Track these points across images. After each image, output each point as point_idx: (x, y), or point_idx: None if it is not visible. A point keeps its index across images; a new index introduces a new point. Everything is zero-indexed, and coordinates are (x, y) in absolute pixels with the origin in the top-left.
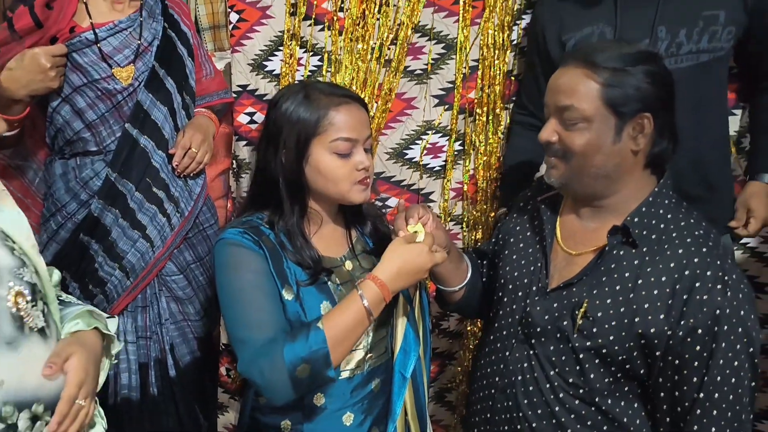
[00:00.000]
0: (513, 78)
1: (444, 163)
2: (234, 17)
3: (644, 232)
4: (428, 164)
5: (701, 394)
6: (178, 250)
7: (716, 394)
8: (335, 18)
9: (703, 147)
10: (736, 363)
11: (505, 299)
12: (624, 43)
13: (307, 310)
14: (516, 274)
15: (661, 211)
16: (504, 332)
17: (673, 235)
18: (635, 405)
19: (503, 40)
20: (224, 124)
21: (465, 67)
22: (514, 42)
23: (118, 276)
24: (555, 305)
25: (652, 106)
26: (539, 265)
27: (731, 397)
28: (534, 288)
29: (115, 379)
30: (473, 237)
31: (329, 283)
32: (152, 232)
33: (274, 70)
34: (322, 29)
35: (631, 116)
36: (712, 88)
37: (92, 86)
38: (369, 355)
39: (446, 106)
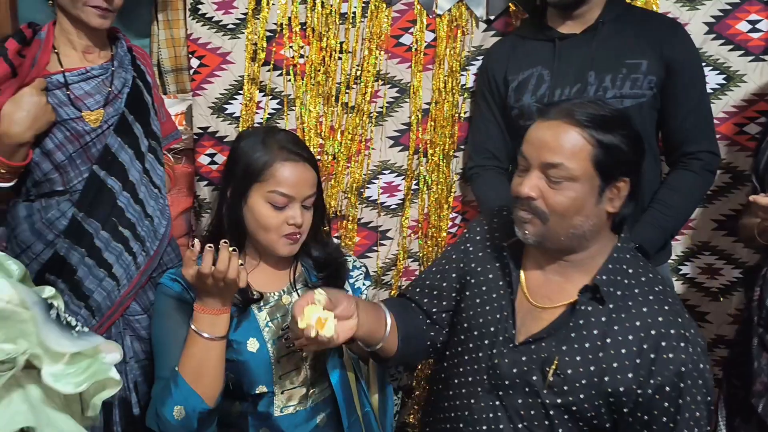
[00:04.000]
0: (461, 119)
1: (400, 201)
2: (195, 62)
3: (611, 289)
4: (385, 203)
5: None
6: (142, 290)
7: None
8: (296, 64)
9: None
10: (697, 414)
11: (471, 345)
12: (602, 103)
13: (236, 347)
14: (481, 320)
15: (624, 266)
16: (469, 379)
17: (636, 291)
18: None
19: (453, 84)
20: (186, 163)
21: (419, 110)
22: (464, 86)
23: (84, 315)
24: (523, 359)
25: (630, 170)
26: (505, 314)
27: None
28: (500, 338)
29: None
30: None
31: (258, 320)
32: (118, 271)
33: (234, 113)
34: (281, 74)
35: (614, 180)
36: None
37: (61, 127)
38: (312, 390)
39: (401, 147)
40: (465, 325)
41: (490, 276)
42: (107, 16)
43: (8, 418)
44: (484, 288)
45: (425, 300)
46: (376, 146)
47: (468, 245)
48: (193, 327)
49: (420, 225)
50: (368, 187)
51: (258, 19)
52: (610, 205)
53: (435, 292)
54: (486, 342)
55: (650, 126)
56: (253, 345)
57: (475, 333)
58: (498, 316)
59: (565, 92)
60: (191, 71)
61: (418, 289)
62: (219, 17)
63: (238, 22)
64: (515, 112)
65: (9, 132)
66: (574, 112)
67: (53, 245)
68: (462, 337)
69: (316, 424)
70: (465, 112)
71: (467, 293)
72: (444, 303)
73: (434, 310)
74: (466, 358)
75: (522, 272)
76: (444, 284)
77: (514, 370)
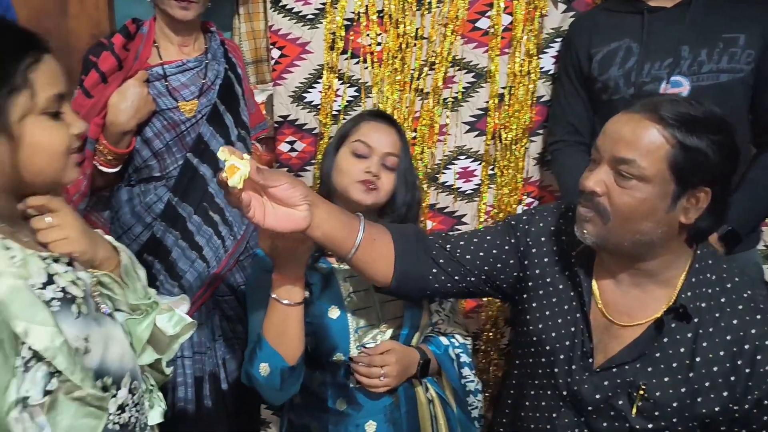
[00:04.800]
0: (538, 103)
1: (476, 186)
2: (276, 53)
3: (697, 303)
4: (460, 188)
5: None
6: (230, 272)
7: None
8: (373, 51)
9: None
10: None
11: (544, 360)
12: (697, 103)
13: (318, 312)
14: (554, 335)
15: (708, 275)
16: (548, 392)
17: (722, 300)
18: None
19: (529, 68)
20: (266, 151)
21: (496, 95)
22: (544, 69)
23: (177, 294)
24: (606, 383)
25: (714, 180)
26: (581, 327)
27: None
28: (578, 353)
29: (172, 392)
30: None
31: (341, 290)
32: (208, 253)
33: (313, 101)
34: (358, 62)
35: (692, 187)
36: (733, 109)
37: (159, 116)
38: None
39: (477, 132)
40: (534, 338)
41: (560, 286)
42: (189, 7)
43: (149, 352)
44: (554, 299)
45: (457, 267)
46: (451, 132)
47: (528, 240)
48: (273, 295)
49: (495, 209)
50: (443, 173)
51: (336, 8)
52: (684, 215)
53: (476, 269)
54: (561, 357)
55: (745, 102)
56: (333, 312)
57: (548, 348)
58: (572, 329)
59: (655, 66)
60: (272, 62)
61: (456, 251)
62: (299, 8)
63: (317, 12)
64: (599, 86)
65: (115, 121)
66: (660, 107)
67: (151, 227)
68: (533, 349)
69: (391, 402)
70: (542, 96)
71: (534, 304)
72: (483, 276)
73: (468, 278)
74: (540, 371)
75: (594, 282)
76: (499, 265)
77: (597, 396)
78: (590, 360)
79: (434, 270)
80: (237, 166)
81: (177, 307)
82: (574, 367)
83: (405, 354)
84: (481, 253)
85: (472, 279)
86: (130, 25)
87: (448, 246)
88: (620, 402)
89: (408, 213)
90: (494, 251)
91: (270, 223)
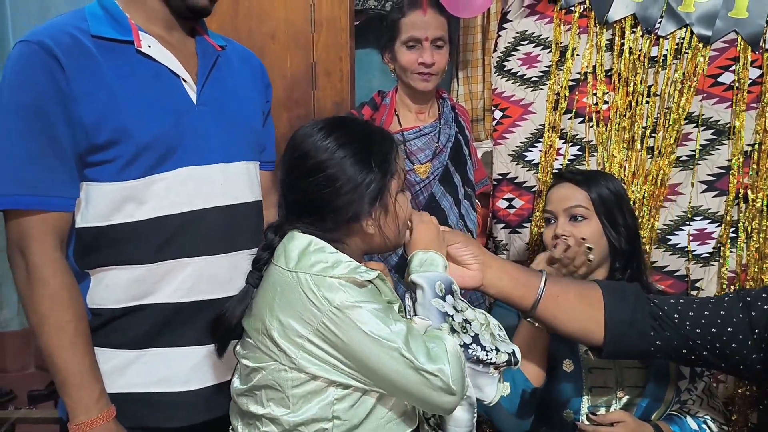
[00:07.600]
0: None
1: (713, 250)
2: (498, 114)
3: None
4: (695, 251)
5: None
6: None
7: None
8: (599, 110)
9: None
10: None
11: None
12: None
13: (551, 361)
14: None
15: None
16: None
17: None
18: None
19: None
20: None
21: (740, 152)
22: None
23: None
24: None
25: None
26: None
27: None
28: None
29: None
30: None
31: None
32: None
33: (533, 160)
34: (582, 121)
35: None
36: None
37: None
38: None
39: (715, 192)
40: None
41: None
42: (430, 79)
43: None
44: None
45: (682, 339)
46: (684, 191)
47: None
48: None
49: (738, 276)
50: (675, 234)
51: (561, 70)
52: None
53: (707, 344)
54: None
55: None
56: (568, 365)
57: None
58: None
59: None
60: (494, 122)
61: (685, 323)
62: (523, 71)
63: (541, 74)
64: None
65: None
66: None
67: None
68: None
69: None
70: None
71: None
72: (717, 351)
73: (696, 352)
74: None
75: None
76: (734, 345)
77: None
78: None
79: (652, 334)
80: None
81: None
82: None
83: (637, 430)
84: (713, 329)
85: (704, 353)
86: (377, 97)
87: (675, 315)
88: None
89: (631, 266)
90: (729, 329)
91: None
